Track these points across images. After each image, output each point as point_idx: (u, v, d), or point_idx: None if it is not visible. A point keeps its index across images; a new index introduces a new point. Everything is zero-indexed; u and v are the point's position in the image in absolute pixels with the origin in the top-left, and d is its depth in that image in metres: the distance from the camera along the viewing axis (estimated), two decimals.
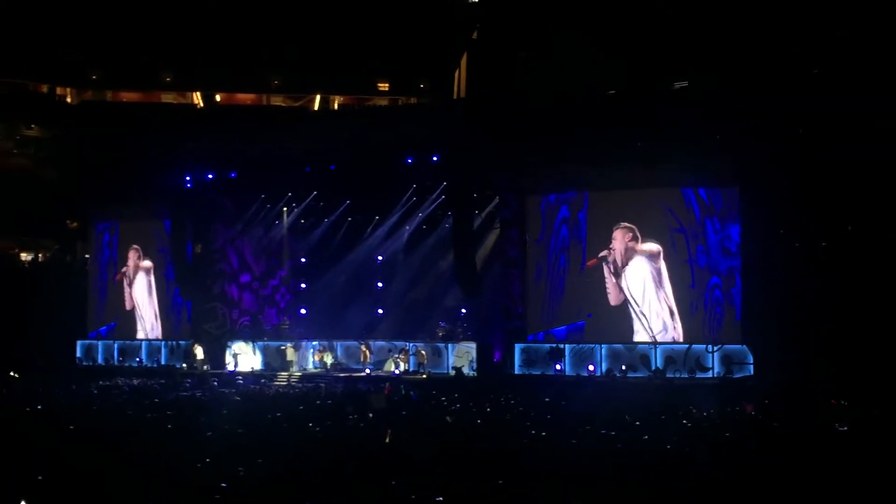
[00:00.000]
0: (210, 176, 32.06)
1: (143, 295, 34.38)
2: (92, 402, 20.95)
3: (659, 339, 26.73)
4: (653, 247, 27.12)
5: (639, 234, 27.27)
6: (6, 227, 36.94)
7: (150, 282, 34.25)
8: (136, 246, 34.55)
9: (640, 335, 27.07)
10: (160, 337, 33.82)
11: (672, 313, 26.73)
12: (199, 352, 31.35)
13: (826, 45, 25.79)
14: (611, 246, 27.55)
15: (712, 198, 26.49)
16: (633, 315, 27.18)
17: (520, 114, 27.71)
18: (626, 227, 27.41)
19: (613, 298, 27.52)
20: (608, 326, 27.38)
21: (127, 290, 34.72)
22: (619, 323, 27.26)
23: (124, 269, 34.76)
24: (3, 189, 35.88)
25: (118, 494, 10.28)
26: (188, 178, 32.05)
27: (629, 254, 27.36)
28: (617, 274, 27.46)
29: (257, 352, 31.76)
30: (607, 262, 27.58)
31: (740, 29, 27.54)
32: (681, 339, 26.45)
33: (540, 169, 28.15)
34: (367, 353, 30.33)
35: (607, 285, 27.57)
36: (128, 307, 34.71)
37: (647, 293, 27.10)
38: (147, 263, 34.30)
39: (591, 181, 27.78)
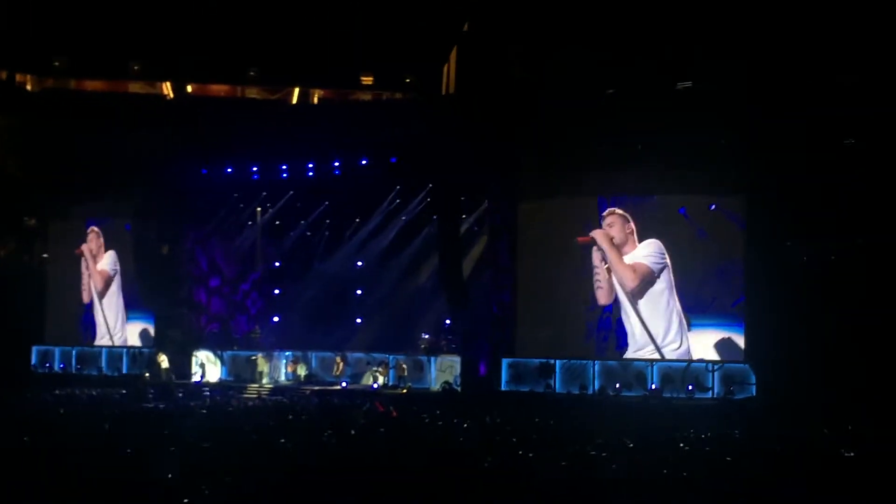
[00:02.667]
0: (178, 171, 32.01)
1: (105, 289, 34.20)
2: (47, 412, 20.86)
3: (661, 346, 26.36)
4: (655, 243, 26.72)
5: (635, 228, 26.89)
6: None
7: (112, 276, 34.14)
8: (96, 230, 34.48)
9: (635, 342, 26.75)
10: (125, 342, 33.61)
11: (677, 323, 26.35)
12: (164, 361, 31.20)
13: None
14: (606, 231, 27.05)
15: (716, 206, 26.38)
16: (628, 320, 26.79)
17: (512, 113, 27.67)
18: (621, 215, 27.01)
19: (603, 296, 27.18)
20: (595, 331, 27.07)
21: (86, 275, 34.45)
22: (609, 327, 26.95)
23: (84, 247, 34.58)
24: None
25: None
26: (157, 173, 32.00)
27: (628, 246, 26.95)
28: (609, 267, 26.91)
29: (226, 361, 31.67)
30: (600, 249, 27.09)
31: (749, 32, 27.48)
32: (686, 352, 26.21)
33: (533, 172, 28.15)
34: (343, 364, 30.26)
35: (597, 279, 27.11)
36: (85, 299, 34.50)
37: (645, 294, 26.66)
38: (111, 255, 34.18)
39: (587, 186, 27.69)
